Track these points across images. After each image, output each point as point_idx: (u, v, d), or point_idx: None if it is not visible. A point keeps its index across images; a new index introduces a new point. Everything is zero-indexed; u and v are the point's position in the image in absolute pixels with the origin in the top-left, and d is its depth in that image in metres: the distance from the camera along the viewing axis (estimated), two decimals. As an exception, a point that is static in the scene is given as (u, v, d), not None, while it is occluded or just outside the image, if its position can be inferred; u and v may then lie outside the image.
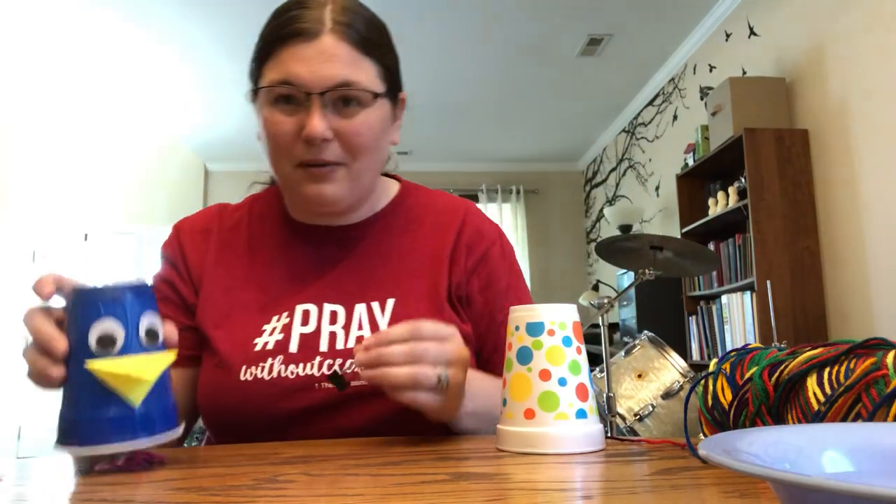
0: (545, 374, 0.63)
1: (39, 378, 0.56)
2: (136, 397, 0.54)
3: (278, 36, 0.78)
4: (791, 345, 1.19)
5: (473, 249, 0.91)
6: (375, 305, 0.84)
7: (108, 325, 0.54)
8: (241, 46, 4.05)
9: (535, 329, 0.65)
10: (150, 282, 0.59)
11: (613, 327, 4.56)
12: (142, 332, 0.56)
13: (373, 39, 0.80)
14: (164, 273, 0.90)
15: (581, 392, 0.64)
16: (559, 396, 0.63)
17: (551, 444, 0.61)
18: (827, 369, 0.51)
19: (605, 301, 2.40)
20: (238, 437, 0.79)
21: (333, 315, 0.84)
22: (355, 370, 0.71)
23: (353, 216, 0.91)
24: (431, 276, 0.88)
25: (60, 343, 0.55)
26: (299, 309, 0.84)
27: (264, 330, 0.82)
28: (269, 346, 0.80)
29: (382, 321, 0.83)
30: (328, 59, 0.76)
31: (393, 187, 0.97)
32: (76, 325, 0.55)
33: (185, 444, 0.87)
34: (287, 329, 0.82)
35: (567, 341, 0.65)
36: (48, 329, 0.55)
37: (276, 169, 0.84)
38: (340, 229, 0.90)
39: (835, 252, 2.85)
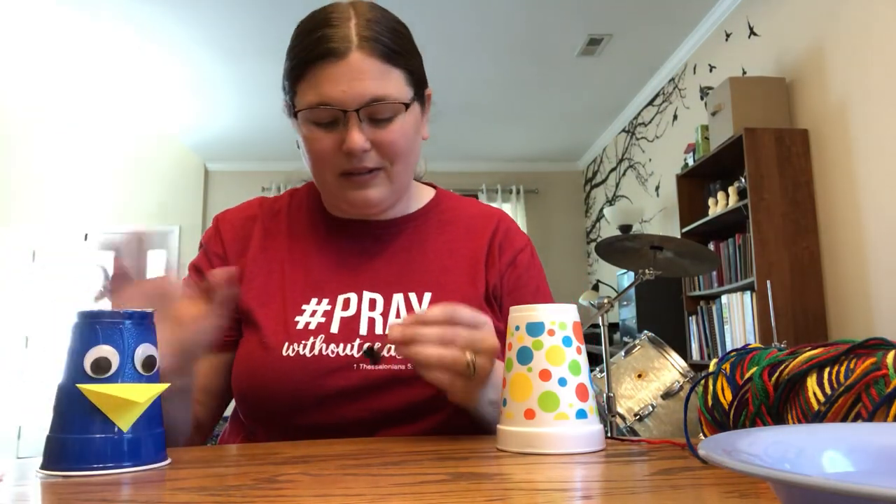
0: (545, 375, 0.63)
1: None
2: (125, 422, 0.56)
3: (309, 57, 0.81)
4: (791, 345, 1.19)
5: (505, 251, 0.95)
6: (413, 296, 0.89)
7: (103, 350, 0.56)
8: (240, 48, 4.06)
9: (535, 329, 0.65)
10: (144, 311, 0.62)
11: (613, 327, 4.56)
12: (137, 361, 0.57)
13: (398, 49, 0.84)
14: (198, 262, 0.94)
15: (581, 392, 0.64)
16: (559, 396, 0.63)
17: (551, 444, 0.61)
18: (827, 369, 0.51)
19: (605, 301, 2.40)
20: (271, 416, 0.82)
21: (372, 302, 0.88)
22: (391, 354, 0.79)
23: (389, 213, 0.95)
24: (469, 276, 0.92)
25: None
26: (340, 297, 0.88)
27: (304, 310, 0.86)
28: (312, 326, 0.84)
29: (420, 310, 0.87)
30: (358, 76, 0.80)
31: (428, 193, 1.03)
32: (74, 348, 0.57)
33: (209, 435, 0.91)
34: (329, 314, 0.86)
35: (567, 341, 0.65)
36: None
37: (318, 178, 0.89)
38: (377, 224, 0.94)
39: (835, 252, 2.85)
